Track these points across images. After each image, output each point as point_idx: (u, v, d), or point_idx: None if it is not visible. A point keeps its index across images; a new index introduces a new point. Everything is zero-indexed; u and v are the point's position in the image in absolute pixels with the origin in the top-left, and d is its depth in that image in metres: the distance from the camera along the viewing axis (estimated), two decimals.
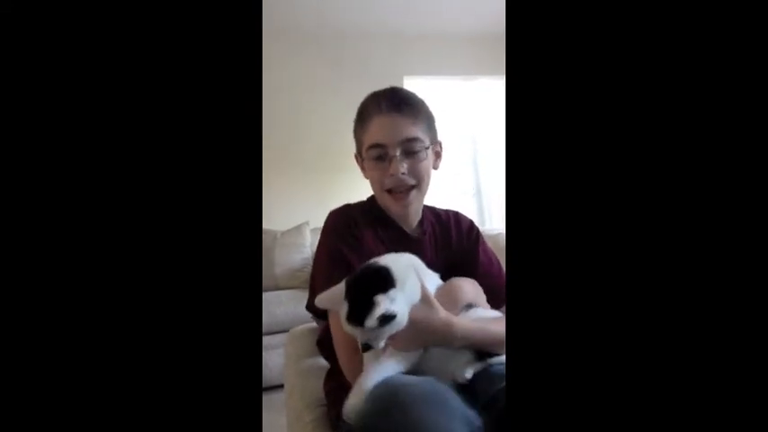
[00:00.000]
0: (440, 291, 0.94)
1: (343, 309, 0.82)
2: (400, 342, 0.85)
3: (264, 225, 2.71)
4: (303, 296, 1.11)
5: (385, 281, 0.82)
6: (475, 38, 4.04)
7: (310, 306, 1.04)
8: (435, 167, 1.11)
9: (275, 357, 2.44)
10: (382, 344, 0.82)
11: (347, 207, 1.10)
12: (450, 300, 0.92)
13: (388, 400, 0.75)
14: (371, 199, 1.11)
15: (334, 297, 0.85)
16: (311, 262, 2.88)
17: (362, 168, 1.12)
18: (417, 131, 1.04)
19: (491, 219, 4.12)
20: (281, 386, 1.26)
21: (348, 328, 0.82)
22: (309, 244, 3.09)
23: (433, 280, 0.97)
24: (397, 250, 0.98)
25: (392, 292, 0.81)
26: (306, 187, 3.66)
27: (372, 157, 1.04)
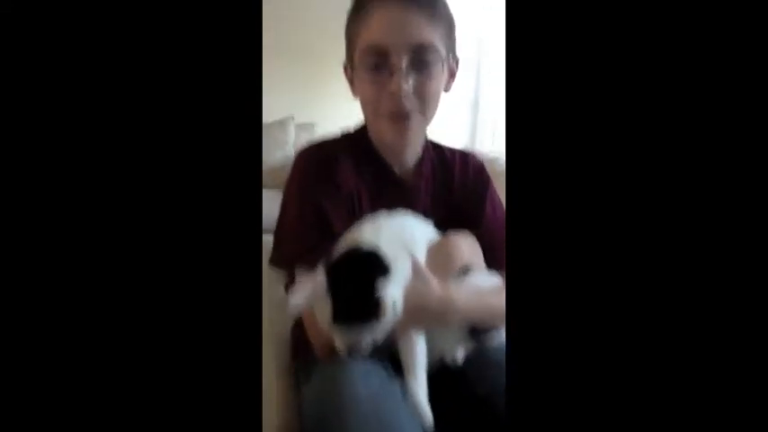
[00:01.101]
0: (434, 249, 0.80)
1: (326, 306, 0.66)
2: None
3: None
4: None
5: (378, 267, 0.67)
6: None
7: (274, 260, 0.87)
8: (447, 90, 0.88)
9: None
10: (370, 345, 0.68)
11: (322, 146, 0.88)
12: (445, 260, 0.79)
13: (329, 408, 0.67)
14: (359, 132, 0.90)
15: (312, 292, 0.67)
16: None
17: (351, 83, 0.87)
18: (434, 36, 0.79)
19: (484, 140, 3.87)
20: None
21: (333, 329, 0.67)
22: (293, 141, 2.89)
23: (425, 234, 0.82)
24: (383, 196, 0.82)
25: (388, 278, 0.67)
26: (292, 79, 3.34)
27: (368, 65, 0.80)
